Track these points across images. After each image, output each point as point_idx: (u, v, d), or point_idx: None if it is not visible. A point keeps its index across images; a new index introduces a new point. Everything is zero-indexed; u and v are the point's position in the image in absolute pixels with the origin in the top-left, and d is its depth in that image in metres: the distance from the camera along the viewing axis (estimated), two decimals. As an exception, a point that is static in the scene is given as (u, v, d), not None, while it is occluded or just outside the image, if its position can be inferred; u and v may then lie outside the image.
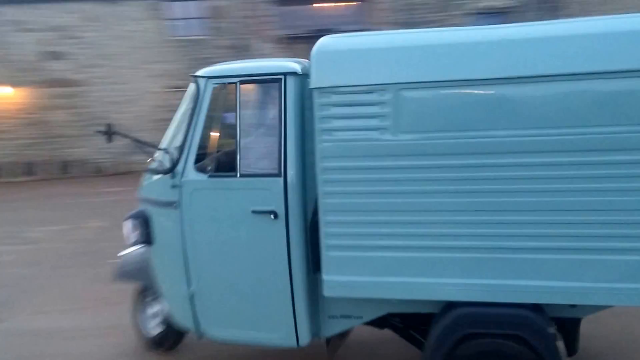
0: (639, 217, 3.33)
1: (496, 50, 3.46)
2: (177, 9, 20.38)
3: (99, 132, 4.38)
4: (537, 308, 3.65)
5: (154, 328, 5.23)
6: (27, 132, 20.09)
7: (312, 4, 21.02)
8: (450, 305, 3.79)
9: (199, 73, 4.31)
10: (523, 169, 3.44)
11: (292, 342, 4.18)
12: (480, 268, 3.60)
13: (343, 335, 4.61)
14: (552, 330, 3.64)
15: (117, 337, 5.66)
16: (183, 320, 4.55)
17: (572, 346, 4.13)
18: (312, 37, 4.38)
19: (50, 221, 11.21)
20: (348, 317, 4.20)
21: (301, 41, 19.93)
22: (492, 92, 3.45)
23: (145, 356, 5.26)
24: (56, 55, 20.08)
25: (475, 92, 3.48)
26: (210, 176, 4.19)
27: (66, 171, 20.01)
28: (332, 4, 21.28)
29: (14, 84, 20.05)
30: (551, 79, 3.34)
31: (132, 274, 5.06)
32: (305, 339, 4.14)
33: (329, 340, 4.37)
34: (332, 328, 4.26)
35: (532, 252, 3.51)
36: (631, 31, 3.29)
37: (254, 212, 4.02)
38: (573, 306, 3.72)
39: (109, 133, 4.36)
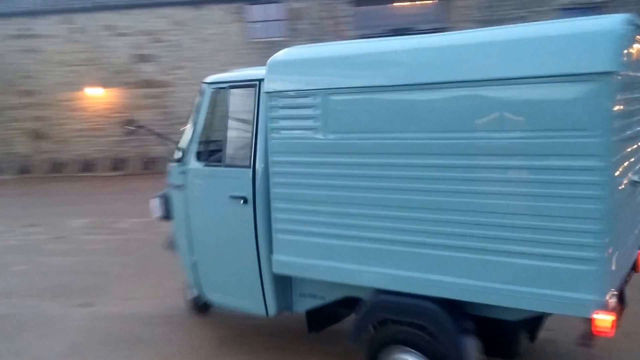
0: (527, 221, 3.33)
1: (406, 59, 3.68)
2: (257, 12, 20.75)
3: (125, 127, 4.98)
4: (450, 303, 3.74)
5: (191, 293, 5.90)
6: (117, 130, 20.90)
7: (390, 3, 20.75)
8: (377, 292, 4.04)
9: (204, 80, 5.03)
10: (425, 170, 3.64)
11: (262, 312, 4.77)
12: (392, 259, 3.84)
13: (337, 319, 4.97)
14: (462, 325, 3.75)
15: (199, 324, 5.82)
16: (193, 284, 5.39)
17: (509, 348, 4.08)
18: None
19: (138, 213, 11.48)
20: (314, 296, 4.62)
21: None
22: (401, 97, 3.68)
23: (227, 344, 5.38)
24: (145, 58, 20.95)
25: (388, 97, 3.73)
26: (205, 165, 4.94)
27: (150, 167, 20.62)
28: (410, 3, 20.91)
29: (106, 85, 21.04)
30: (449, 86, 3.48)
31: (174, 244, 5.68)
32: (272, 310, 4.70)
33: (308, 316, 4.77)
34: (302, 305, 4.72)
35: (434, 248, 3.67)
36: (519, 39, 3.36)
37: (230, 197, 4.64)
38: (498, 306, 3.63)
39: (135, 128, 4.97)
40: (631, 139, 3.52)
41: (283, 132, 4.21)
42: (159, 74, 20.70)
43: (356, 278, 4.04)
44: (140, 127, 6.34)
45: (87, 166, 21.44)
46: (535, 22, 3.52)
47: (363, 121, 3.85)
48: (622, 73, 3.08)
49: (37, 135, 21.64)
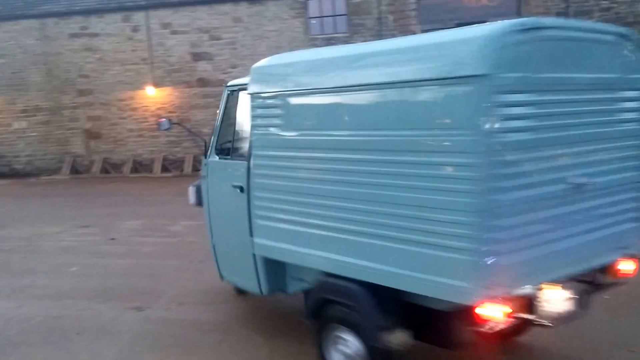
0: (415, 212, 3.60)
1: (333, 64, 4.25)
2: (318, 7, 20.41)
3: (158, 122, 6.21)
4: (376, 287, 3.98)
5: None
6: (166, 130, 20.96)
7: (456, -4, 20.03)
8: (324, 275, 4.42)
9: (225, 84, 5.71)
10: (338, 163, 4.10)
11: (257, 291, 5.28)
12: (328, 244, 4.24)
13: None
14: (387, 309, 3.99)
15: (252, 331, 5.69)
16: (216, 265, 6.03)
17: (445, 337, 4.10)
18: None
19: (189, 216, 11.44)
20: (300, 279, 5.02)
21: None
22: (329, 99, 4.20)
23: (280, 350, 5.25)
24: (201, 56, 20.82)
25: (327, 98, 4.23)
26: (220, 158, 5.61)
27: (199, 168, 20.61)
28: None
29: (160, 84, 21.05)
30: (356, 89, 3.96)
31: None
32: (265, 290, 5.18)
33: (306, 295, 4.99)
34: (294, 287, 5.18)
35: (350, 234, 4.05)
36: (409, 47, 3.89)
37: (232, 186, 5.20)
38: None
39: (171, 125, 6.43)
40: (544, 139, 3.61)
41: (260, 129, 4.77)
42: (214, 72, 20.46)
43: (309, 261, 4.50)
44: (176, 123, 7.09)
45: (140, 167, 21.61)
46: (430, 32, 4.08)
47: (310, 120, 4.40)
48: (501, 75, 3.26)
49: (91, 135, 21.80)
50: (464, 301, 3.47)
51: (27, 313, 6.49)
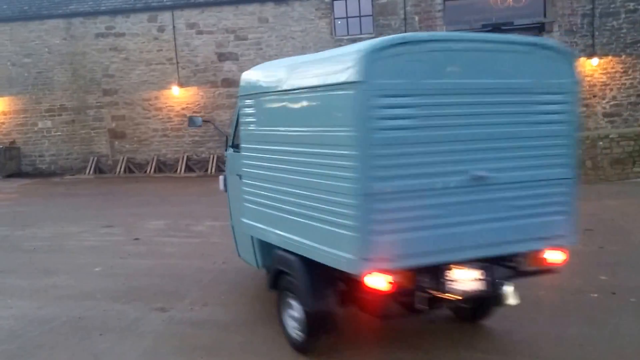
0: (327, 196, 4.30)
1: (286, 72, 4.99)
2: (343, 8, 20.27)
3: (190, 118, 7.30)
4: (310, 260, 4.65)
5: None
6: (192, 131, 21.02)
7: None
8: (279, 249, 5.20)
9: None
10: (286, 155, 4.86)
11: (255, 264, 6.23)
12: (280, 222, 5.04)
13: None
14: (319, 278, 4.69)
15: (277, 332, 5.55)
16: (235, 244, 6.94)
17: (372, 309, 4.73)
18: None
19: (213, 217, 11.44)
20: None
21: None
22: (281, 100, 4.99)
23: (306, 353, 5.16)
24: (226, 56, 20.84)
25: (276, 100, 5.06)
26: (234, 150, 6.31)
27: (223, 169, 20.63)
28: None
29: (185, 84, 21.07)
30: (295, 92, 4.73)
31: None
32: (260, 263, 6.07)
33: (267, 269, 5.92)
34: None
35: (292, 214, 4.82)
36: (312, 60, 4.81)
37: (236, 174, 6.03)
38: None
39: (204, 122, 7.53)
40: (429, 137, 4.14)
41: (244, 125, 5.62)
42: (239, 73, 20.21)
43: (269, 237, 5.31)
44: (206, 121, 7.81)
45: (164, 167, 21.65)
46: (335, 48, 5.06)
47: (267, 118, 5.24)
48: (376, 82, 3.90)
49: (116, 135, 21.87)
50: (353, 271, 4.15)
51: (50, 313, 6.42)
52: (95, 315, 6.35)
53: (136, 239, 10.21)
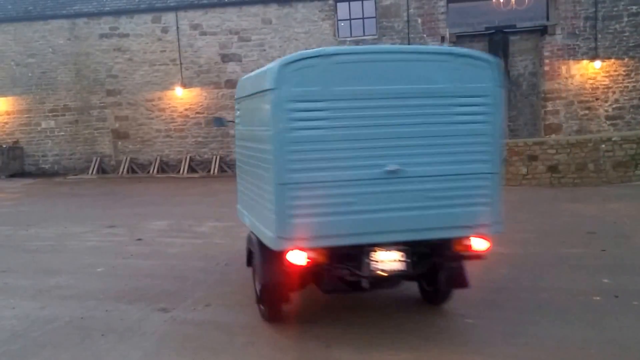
0: (261, 184, 5.25)
1: (251, 77, 5.85)
2: (347, 10, 20.31)
3: (219, 121, 8.65)
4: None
5: None
6: (195, 131, 21.07)
7: None
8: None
9: None
10: (247, 150, 5.87)
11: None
12: (249, 208, 6.00)
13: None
14: (266, 254, 5.36)
15: (280, 333, 5.62)
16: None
17: (320, 283, 5.43)
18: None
19: (216, 217, 11.45)
20: None
21: (475, 39, 19.08)
22: (246, 102, 5.87)
23: (308, 354, 5.19)
24: (229, 57, 20.90)
25: (245, 102, 5.99)
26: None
27: (225, 169, 20.70)
28: (509, -1, 19.87)
29: (188, 85, 21.12)
30: (251, 96, 5.53)
31: None
32: None
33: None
34: None
35: (251, 200, 5.80)
36: (254, 74, 5.79)
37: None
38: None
39: (228, 122, 8.18)
40: (340, 135, 4.78)
41: (237, 125, 6.50)
42: (243, 74, 20.21)
43: (245, 221, 6.26)
44: (231, 121, 7.98)
45: (167, 167, 21.67)
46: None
47: (241, 117, 6.25)
48: (288, 89, 4.64)
49: (119, 135, 21.93)
50: (275, 247, 4.90)
51: (52, 314, 6.42)
52: (97, 315, 6.33)
53: (139, 239, 10.21)
